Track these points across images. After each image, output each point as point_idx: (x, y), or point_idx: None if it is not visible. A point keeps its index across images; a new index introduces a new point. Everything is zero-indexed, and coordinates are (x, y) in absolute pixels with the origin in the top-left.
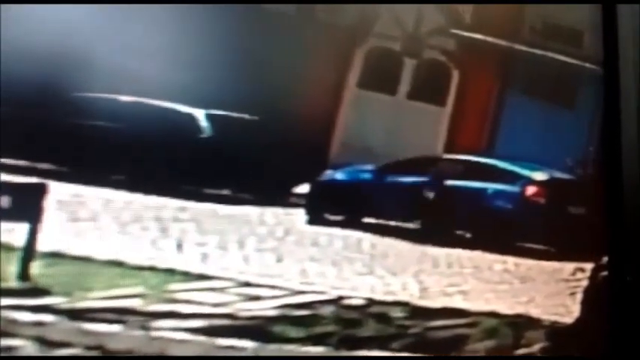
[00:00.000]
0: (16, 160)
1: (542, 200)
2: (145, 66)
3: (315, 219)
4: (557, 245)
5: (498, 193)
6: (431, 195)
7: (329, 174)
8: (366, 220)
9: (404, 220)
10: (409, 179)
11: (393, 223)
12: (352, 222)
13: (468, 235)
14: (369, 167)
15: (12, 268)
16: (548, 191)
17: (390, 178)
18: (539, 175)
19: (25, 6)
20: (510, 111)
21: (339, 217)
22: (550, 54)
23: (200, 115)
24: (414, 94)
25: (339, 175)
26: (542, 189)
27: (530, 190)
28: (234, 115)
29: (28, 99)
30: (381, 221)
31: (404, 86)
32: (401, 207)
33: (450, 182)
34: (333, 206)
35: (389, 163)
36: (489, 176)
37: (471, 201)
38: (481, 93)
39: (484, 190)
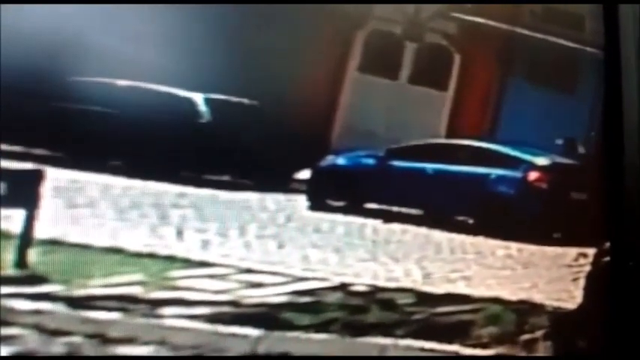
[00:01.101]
0: (11, 146)
1: (544, 185)
2: (142, 50)
3: (316, 205)
4: (560, 230)
5: (501, 179)
6: (433, 181)
7: (330, 159)
8: (369, 205)
9: (406, 206)
10: (411, 165)
11: (395, 209)
12: (354, 208)
13: (471, 221)
14: (371, 153)
15: (9, 255)
16: (551, 176)
17: (393, 164)
18: (542, 160)
19: None
20: (512, 95)
21: (341, 203)
22: (551, 38)
23: (199, 99)
24: (415, 79)
25: (341, 161)
26: (544, 174)
27: (533, 175)
28: (234, 99)
29: (24, 84)
30: (383, 207)
31: (405, 70)
32: (403, 193)
33: (452, 167)
34: (335, 192)
35: (391, 149)
36: (492, 161)
37: (474, 186)
38: (482, 77)
39: (487, 175)
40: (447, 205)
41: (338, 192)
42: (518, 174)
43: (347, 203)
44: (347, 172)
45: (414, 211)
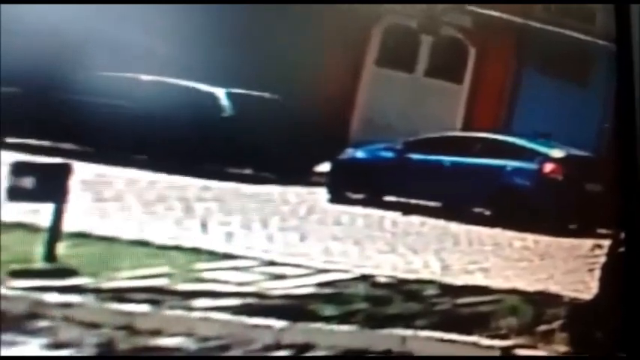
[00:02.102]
0: (39, 141)
1: (559, 177)
2: (166, 45)
3: (336, 198)
4: (575, 222)
5: (517, 171)
6: (450, 173)
7: (349, 152)
8: (388, 198)
9: (424, 198)
10: (429, 157)
11: (413, 201)
12: (374, 200)
13: (487, 213)
14: (389, 145)
15: (38, 249)
16: (566, 168)
17: (411, 157)
18: (557, 153)
19: None
20: (526, 88)
21: (360, 196)
22: (564, 31)
23: (221, 94)
24: (431, 72)
25: (360, 154)
26: (559, 166)
27: (548, 167)
28: (255, 94)
29: (51, 80)
30: (401, 199)
31: (421, 64)
32: (421, 185)
33: (468, 160)
34: (355, 185)
35: (408, 142)
36: (508, 154)
37: (490, 178)
38: (498, 70)
39: (503, 167)
40: (463, 196)
41: (357, 184)
42: (533, 166)
43: (366, 196)
44: (366, 165)
45: (431, 204)
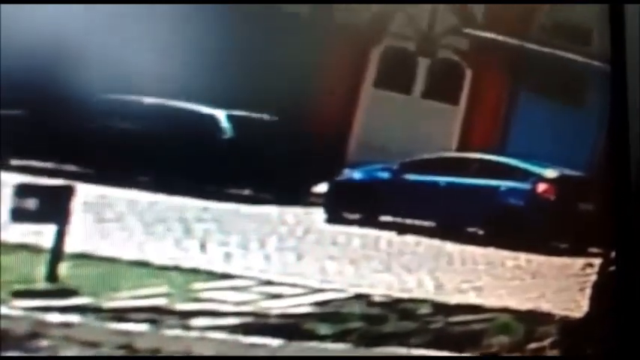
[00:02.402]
0: (42, 163)
1: (552, 197)
2: (166, 67)
3: (333, 218)
4: (567, 241)
5: (510, 191)
6: (445, 193)
7: (346, 173)
8: (383, 218)
9: (420, 218)
10: (425, 178)
11: (409, 221)
12: (369, 220)
13: (481, 232)
14: (385, 166)
15: (40, 269)
16: (559, 188)
17: (407, 177)
18: (550, 173)
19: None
20: (521, 109)
21: (357, 216)
22: (559, 52)
23: (221, 116)
24: (428, 93)
25: (357, 175)
26: (552, 186)
27: (542, 187)
28: (254, 115)
29: (53, 101)
30: (397, 219)
31: (419, 85)
32: (417, 205)
33: (463, 180)
34: (352, 205)
35: (405, 162)
36: (502, 174)
37: (484, 198)
38: (493, 91)
39: (497, 187)
40: (458, 216)
41: (354, 205)
42: (527, 186)
43: (363, 216)
44: (362, 186)
45: (426, 223)
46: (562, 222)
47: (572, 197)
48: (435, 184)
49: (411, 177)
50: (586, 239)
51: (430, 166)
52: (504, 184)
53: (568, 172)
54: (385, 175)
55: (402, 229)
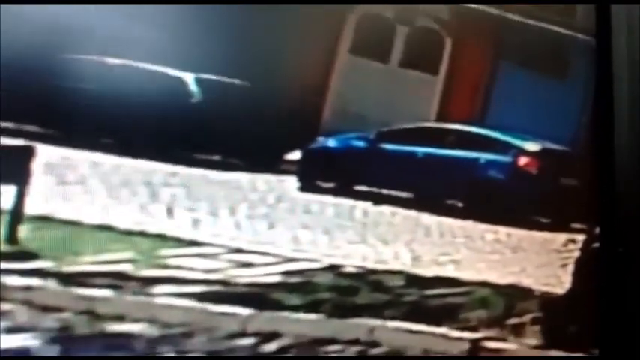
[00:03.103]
0: (2, 123)
1: (534, 171)
2: (134, 28)
3: (307, 186)
4: (549, 216)
5: (491, 163)
6: (423, 164)
7: (321, 141)
8: (358, 188)
9: (396, 189)
10: (402, 148)
11: (385, 191)
12: (344, 190)
13: (460, 205)
14: (362, 135)
15: None
16: (540, 162)
17: (383, 147)
18: (532, 146)
19: None
20: (503, 81)
21: (331, 185)
22: (543, 24)
23: (189, 78)
24: (406, 62)
25: (331, 143)
26: (534, 159)
27: (523, 160)
28: (225, 80)
29: (16, 62)
30: (373, 189)
31: (396, 54)
32: (393, 176)
33: (442, 151)
34: (325, 174)
35: (382, 132)
36: (482, 146)
37: (464, 170)
38: (474, 62)
39: (476, 159)
40: (436, 188)
41: (328, 174)
42: (508, 159)
43: (337, 185)
44: (337, 154)
45: (404, 194)
46: (544, 196)
47: (554, 171)
48: (412, 154)
49: (388, 147)
50: (568, 214)
51: (408, 136)
52: (484, 156)
53: (550, 145)
54: (361, 144)
55: (378, 200)
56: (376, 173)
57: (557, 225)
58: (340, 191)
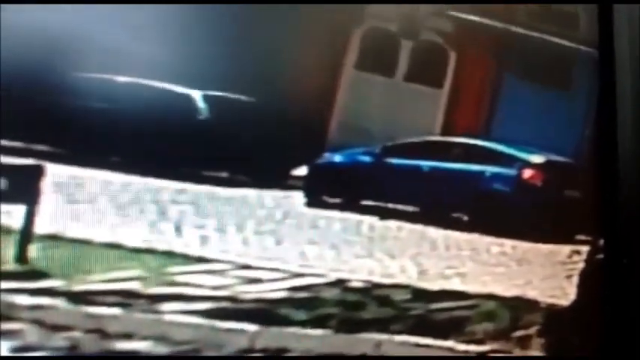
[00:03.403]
0: (12, 142)
1: (538, 183)
2: (141, 46)
3: (313, 201)
4: (553, 228)
5: (495, 176)
6: (429, 178)
7: (327, 156)
8: (365, 202)
9: (402, 203)
10: (407, 162)
11: (391, 205)
12: (351, 204)
13: (465, 218)
14: (367, 150)
15: (9, 251)
16: (545, 174)
17: (388, 161)
18: (536, 158)
19: None
20: (506, 93)
21: (337, 200)
22: (546, 36)
23: (197, 96)
24: (411, 76)
25: (337, 158)
26: (539, 172)
27: (527, 173)
28: (231, 96)
29: (24, 80)
30: (379, 204)
31: (401, 68)
32: (399, 190)
33: (447, 165)
34: (332, 189)
35: (387, 146)
36: (487, 159)
37: (469, 183)
38: (478, 75)
39: (481, 172)
40: (441, 201)
41: (334, 189)
42: (512, 171)
43: (343, 200)
44: (343, 169)
45: (409, 208)
46: (548, 208)
47: (558, 183)
48: (418, 168)
49: (394, 161)
50: (573, 226)
51: (414, 150)
52: (489, 169)
53: (554, 157)
54: (367, 158)
55: (384, 214)
56: (382, 187)
57: (562, 237)
58: (347, 206)
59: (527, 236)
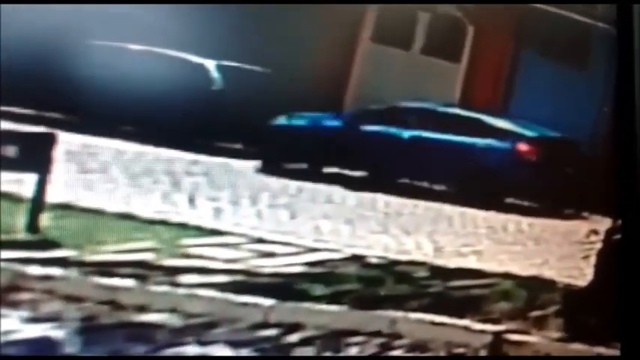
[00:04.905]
0: (23, 109)
1: (533, 157)
2: (156, 15)
3: (270, 168)
4: (548, 203)
5: (489, 149)
6: (410, 147)
7: (285, 119)
8: (328, 169)
9: (377, 173)
10: (383, 129)
11: (361, 174)
12: (313, 172)
13: (451, 189)
14: (335, 114)
15: (21, 219)
16: (541, 149)
17: (360, 127)
18: (532, 133)
19: None
20: (524, 69)
21: (298, 166)
22: (564, 13)
23: (211, 65)
24: (428, 49)
25: (298, 121)
26: (533, 146)
27: (523, 147)
28: (246, 67)
29: (37, 47)
30: (346, 172)
31: (418, 41)
32: (373, 158)
33: (432, 135)
34: (291, 154)
35: (358, 111)
36: (480, 131)
37: (457, 156)
38: (496, 50)
39: (472, 145)
40: (425, 173)
41: (293, 154)
42: (507, 145)
43: (306, 167)
44: (304, 134)
45: (386, 179)
46: (543, 183)
47: (555, 159)
48: (396, 136)
49: (367, 127)
50: (567, 201)
51: (390, 117)
52: (482, 141)
53: (552, 133)
54: (333, 123)
55: (352, 184)
56: (352, 155)
57: (578, 215)
58: (309, 173)
59: (521, 211)
